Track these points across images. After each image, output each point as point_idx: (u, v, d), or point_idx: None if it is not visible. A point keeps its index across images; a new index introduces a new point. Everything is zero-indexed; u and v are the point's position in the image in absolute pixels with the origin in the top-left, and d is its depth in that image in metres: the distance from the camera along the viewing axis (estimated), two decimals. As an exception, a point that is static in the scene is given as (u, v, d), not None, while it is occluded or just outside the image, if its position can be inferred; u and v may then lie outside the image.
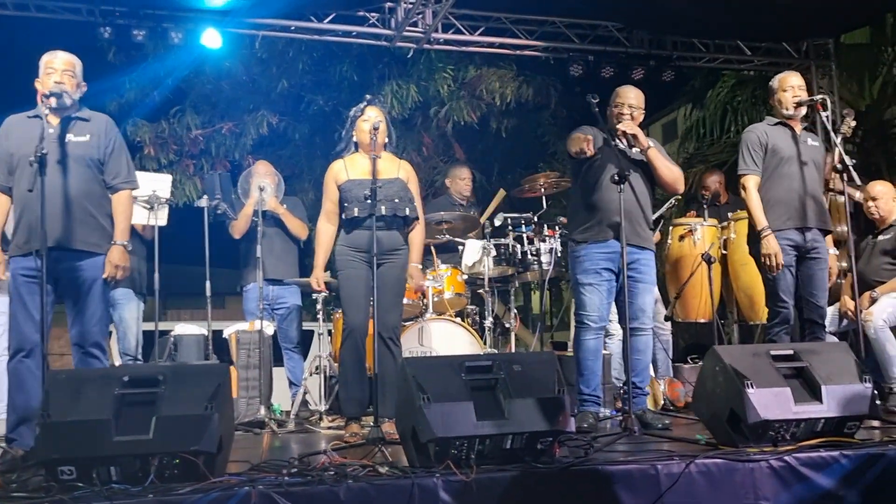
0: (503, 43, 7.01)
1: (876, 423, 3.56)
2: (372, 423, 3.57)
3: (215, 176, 5.45)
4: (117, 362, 5.31)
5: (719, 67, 8.13)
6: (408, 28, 6.60)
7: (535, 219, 5.36)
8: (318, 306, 5.36)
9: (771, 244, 4.05)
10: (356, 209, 3.93)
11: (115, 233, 3.60)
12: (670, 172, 4.09)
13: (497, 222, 5.39)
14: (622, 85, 4.27)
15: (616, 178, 3.67)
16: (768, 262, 4.06)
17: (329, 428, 4.63)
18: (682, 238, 5.40)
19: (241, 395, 4.83)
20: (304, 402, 5.23)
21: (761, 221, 4.11)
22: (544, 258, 5.24)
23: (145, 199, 4.83)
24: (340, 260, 4.02)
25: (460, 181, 6.04)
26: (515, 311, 5.63)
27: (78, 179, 3.51)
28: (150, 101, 8.98)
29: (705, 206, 5.54)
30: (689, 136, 11.87)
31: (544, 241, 5.26)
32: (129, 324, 5.15)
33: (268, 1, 5.97)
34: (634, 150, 4.04)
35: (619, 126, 3.99)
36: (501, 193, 6.27)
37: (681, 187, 4.21)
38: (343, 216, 4.02)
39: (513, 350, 5.56)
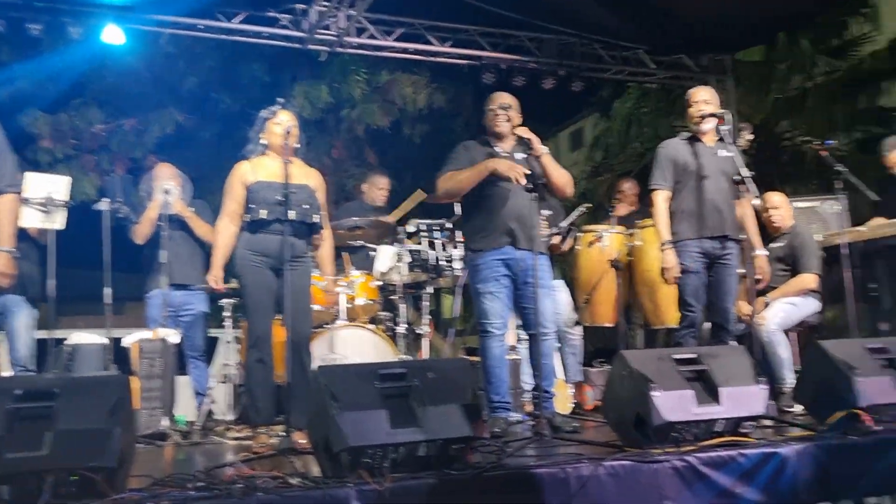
0: (417, 49, 7.02)
1: (769, 423, 3.75)
2: (282, 433, 3.49)
3: (116, 178, 5.25)
4: (7, 373, 5.01)
5: (625, 80, 8.40)
6: (320, 31, 6.53)
7: (449, 225, 5.38)
8: (226, 313, 5.22)
9: (668, 258, 4.26)
10: (264, 212, 3.84)
11: (0, 239, 3.40)
12: (562, 177, 4.15)
13: (411, 228, 5.38)
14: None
15: (531, 185, 3.73)
16: (665, 276, 4.27)
17: (237, 439, 4.50)
18: (590, 244, 5.53)
19: (144, 407, 4.63)
20: (211, 413, 5.08)
21: (664, 235, 4.32)
22: (457, 264, 5.27)
23: (40, 202, 4.57)
24: (243, 265, 3.92)
25: (378, 190, 5.98)
26: (429, 317, 5.63)
27: None
28: (47, 92, 8.51)
29: (611, 214, 5.69)
30: (597, 145, 12.23)
31: (457, 247, 5.29)
32: (20, 332, 4.84)
33: (173, -3, 5.78)
34: (518, 155, 4.09)
35: (498, 123, 4.05)
36: (419, 194, 6.22)
37: (570, 191, 4.28)
38: (247, 218, 3.93)
39: (426, 357, 5.56)
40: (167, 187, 4.90)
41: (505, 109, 4.11)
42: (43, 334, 5.02)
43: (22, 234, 3.66)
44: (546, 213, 4.48)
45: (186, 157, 9.06)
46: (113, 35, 6.07)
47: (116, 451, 2.52)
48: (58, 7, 5.82)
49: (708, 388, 3.16)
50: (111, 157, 8.95)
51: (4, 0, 5.68)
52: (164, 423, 4.55)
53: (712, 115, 4.35)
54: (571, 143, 18.63)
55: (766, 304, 4.81)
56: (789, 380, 4.58)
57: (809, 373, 3.67)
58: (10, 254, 3.41)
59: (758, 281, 4.46)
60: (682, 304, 4.31)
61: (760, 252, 4.48)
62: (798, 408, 4.23)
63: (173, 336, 4.88)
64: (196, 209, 5.24)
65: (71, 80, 8.47)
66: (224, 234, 4.02)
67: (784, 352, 4.68)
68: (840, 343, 3.59)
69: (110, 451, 2.50)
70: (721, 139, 4.44)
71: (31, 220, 4.52)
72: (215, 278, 4.06)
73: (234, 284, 4.24)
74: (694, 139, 4.44)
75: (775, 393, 4.56)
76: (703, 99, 4.42)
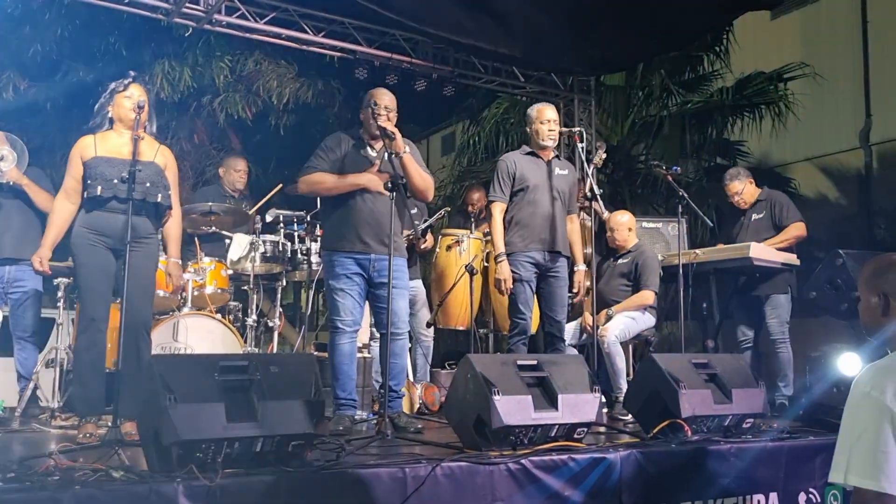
0: (289, 35, 6.85)
1: (602, 429, 3.95)
2: (110, 424, 3.30)
3: (-59, 140, 4.75)
4: None
5: (495, 89, 8.59)
6: (188, 5, 6.23)
7: (308, 218, 5.30)
8: (60, 293, 4.88)
9: (503, 270, 4.45)
10: (100, 188, 3.62)
11: None
12: (422, 180, 4.10)
13: (269, 218, 5.25)
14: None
15: (389, 185, 3.72)
16: (498, 287, 4.47)
17: (61, 427, 4.22)
18: (448, 248, 5.61)
19: (-43, 390, 4.27)
20: (35, 399, 4.73)
21: (498, 247, 4.51)
22: (314, 258, 5.20)
23: None
24: (78, 243, 3.68)
25: (235, 172, 5.83)
26: (281, 310, 5.51)
27: None
28: None
29: (472, 219, 5.80)
30: (465, 151, 12.43)
31: (316, 240, 5.21)
32: None
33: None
34: (373, 153, 4.09)
35: (380, 122, 3.95)
36: (278, 187, 6.09)
37: (430, 195, 4.29)
38: (85, 195, 3.69)
39: (275, 350, 5.44)
40: (1, 153, 4.51)
41: (388, 110, 4.06)
42: None
43: None
44: (413, 211, 4.52)
45: (28, 125, 8.43)
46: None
47: None
48: None
49: (547, 395, 3.28)
50: (-63, 121, 8.16)
51: None
52: (-21, 407, 4.19)
53: (570, 131, 4.54)
54: (443, 147, 18.87)
55: (609, 317, 5.06)
56: (623, 389, 4.84)
57: (640, 383, 3.89)
58: None
59: (575, 294, 4.71)
60: (514, 310, 4.52)
61: (580, 267, 4.74)
62: (630, 416, 4.48)
63: (-3, 314, 4.52)
64: (32, 177, 4.85)
65: None
66: (59, 211, 3.77)
67: (620, 363, 4.94)
68: (668, 356, 3.82)
69: None
70: (558, 156, 4.65)
71: None
72: (40, 258, 3.79)
73: (69, 263, 3.97)
74: (533, 154, 4.62)
75: (610, 401, 4.81)
76: (553, 118, 4.61)
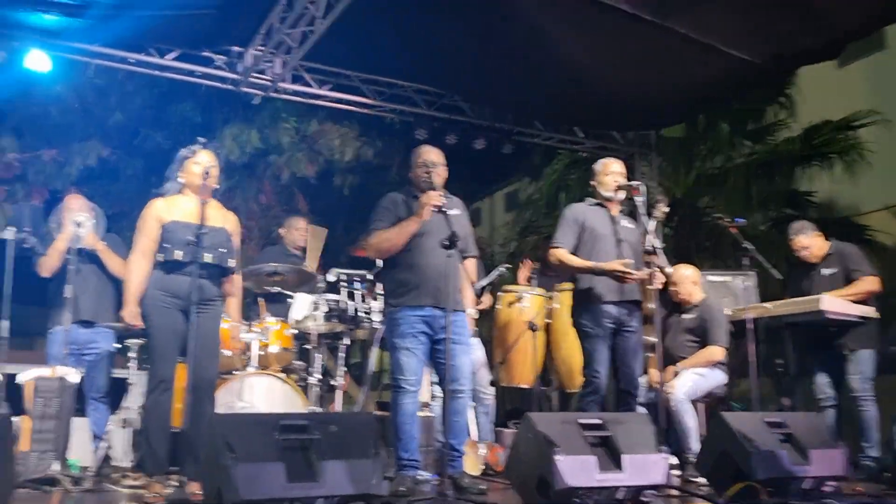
0: (351, 100, 7.08)
1: (672, 492, 3.79)
2: (177, 483, 3.34)
3: (25, 206, 5.06)
4: None
5: (555, 146, 8.64)
6: (255, 75, 6.52)
7: (370, 277, 5.35)
8: (132, 354, 5.02)
9: (611, 265, 4.25)
10: (179, 253, 3.75)
11: None
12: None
13: (331, 277, 5.33)
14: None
15: (446, 242, 3.74)
16: (621, 271, 4.20)
17: (131, 487, 4.28)
18: (510, 304, 5.58)
19: (34, 449, 4.38)
20: (108, 458, 4.83)
21: (587, 263, 4.31)
22: (376, 317, 5.22)
23: (-61, 226, 4.36)
24: (151, 305, 3.80)
25: (295, 231, 5.96)
26: (346, 368, 5.54)
27: None
28: (-37, 119, 8.22)
29: (533, 276, 5.77)
30: (527, 207, 12.47)
31: (376, 299, 5.25)
32: None
33: (103, 27, 5.66)
34: (451, 212, 4.10)
35: (425, 178, 4.03)
36: (321, 232, 6.15)
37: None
38: (160, 258, 3.82)
39: (338, 409, 5.45)
40: (80, 219, 4.73)
41: (432, 167, 4.12)
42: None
43: None
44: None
45: (109, 191, 8.88)
46: (38, 61, 5.90)
47: (-13, 497, 2.36)
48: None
49: (611, 455, 3.18)
50: (27, 188, 8.64)
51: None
52: (55, 467, 4.30)
53: (628, 185, 4.49)
54: (506, 204, 18.97)
55: (676, 374, 4.91)
56: (695, 450, 4.65)
57: (711, 444, 3.74)
58: None
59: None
60: (589, 368, 4.35)
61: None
62: (703, 478, 4.30)
63: (73, 375, 4.66)
64: (109, 243, 5.07)
65: (-8, 107, 8.21)
66: (136, 271, 3.90)
67: (690, 421, 4.77)
68: (740, 416, 3.68)
69: (-20, 496, 2.34)
70: (622, 211, 4.58)
71: (-72, 245, 4.30)
72: (131, 314, 3.90)
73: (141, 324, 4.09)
74: (600, 206, 4.57)
75: (682, 463, 4.62)
76: (619, 171, 4.57)
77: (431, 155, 4.19)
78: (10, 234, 4.68)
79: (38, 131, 8.83)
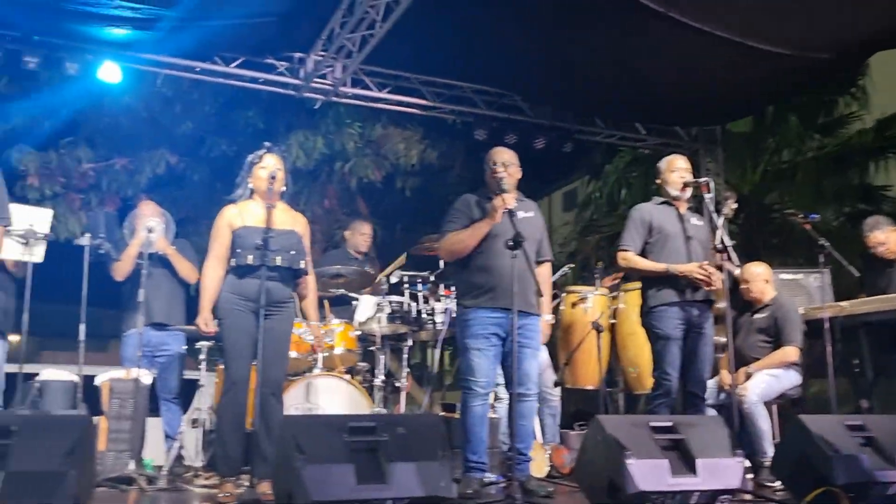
0: (411, 102, 7.11)
1: (748, 497, 3.67)
2: (247, 484, 3.40)
3: (100, 214, 5.22)
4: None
5: (616, 144, 8.52)
6: (316, 80, 6.61)
7: (432, 278, 5.36)
8: (202, 356, 5.14)
9: (687, 268, 4.17)
10: (250, 257, 3.81)
11: None
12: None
13: (393, 279, 5.35)
14: (520, 152, 4.33)
15: (511, 243, 3.71)
16: (699, 274, 4.12)
17: (204, 486, 4.39)
18: (574, 305, 5.51)
19: (110, 448, 4.53)
20: (180, 458, 4.95)
21: (659, 267, 4.22)
22: (439, 318, 5.22)
23: (21, 234, 4.52)
24: (225, 308, 3.87)
25: (360, 236, 6.00)
26: (409, 369, 5.56)
27: None
28: (41, 129, 8.54)
29: (597, 276, 5.68)
30: (587, 206, 12.32)
31: (439, 300, 5.25)
32: (-11, 365, 4.76)
33: (172, 38, 5.83)
34: (521, 213, 4.06)
35: (498, 178, 3.99)
36: (403, 259, 6.22)
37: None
38: (233, 263, 3.89)
39: (403, 410, 5.47)
40: (150, 225, 4.87)
41: (507, 166, 4.10)
42: (13, 368, 4.93)
43: (-2, 267, 3.60)
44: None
45: (177, 197, 9.10)
46: (110, 73, 6.10)
47: (71, 495, 2.44)
48: (55, 41, 5.87)
49: (684, 459, 3.10)
50: (101, 196, 8.94)
51: (1, 32, 5.72)
52: (131, 466, 4.43)
53: (696, 182, 4.38)
54: (564, 204, 18.77)
55: (748, 375, 4.77)
56: (769, 453, 4.51)
57: (788, 447, 3.61)
58: None
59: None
60: (659, 369, 4.24)
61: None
62: (778, 483, 4.17)
63: (146, 376, 4.80)
64: (178, 248, 5.20)
65: (65, 118, 8.51)
66: (211, 276, 3.97)
67: (764, 424, 4.62)
68: (819, 418, 3.54)
69: (64, 495, 2.42)
70: (691, 208, 4.47)
71: (11, 251, 4.47)
72: (205, 321, 3.98)
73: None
74: (667, 204, 4.46)
75: (755, 466, 4.48)
76: (684, 167, 4.45)
77: (504, 155, 4.16)
78: (85, 240, 4.84)
79: (108, 141, 9.12)
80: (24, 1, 5.43)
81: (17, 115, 8.32)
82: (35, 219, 4.62)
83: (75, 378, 4.72)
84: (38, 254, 4.63)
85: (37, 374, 4.78)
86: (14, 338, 4.98)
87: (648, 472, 2.97)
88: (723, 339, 4.67)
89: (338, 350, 5.11)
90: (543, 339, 4.20)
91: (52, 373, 4.79)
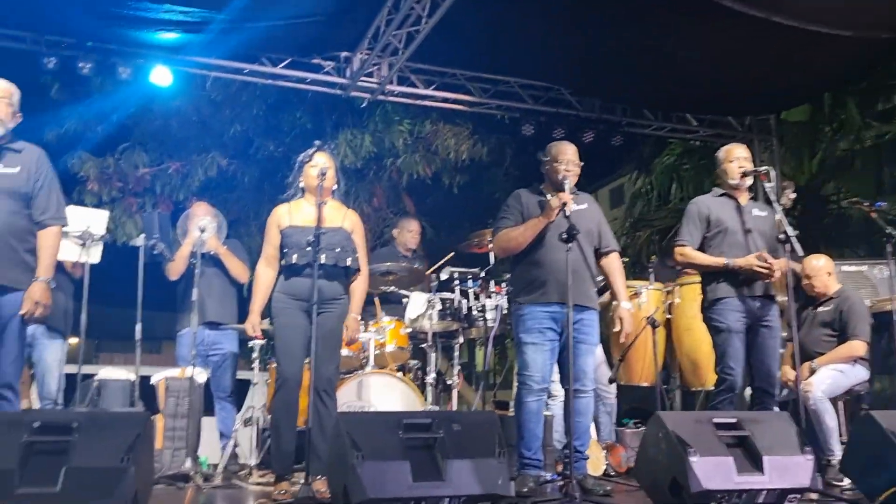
0: (457, 99, 7.07)
1: (815, 496, 3.54)
2: (302, 481, 3.39)
3: (154, 214, 5.27)
4: (36, 406, 5.01)
5: (666, 136, 8.34)
6: (363, 78, 6.61)
7: (482, 274, 5.31)
8: (255, 355, 5.17)
9: (746, 261, 4.04)
10: (295, 256, 3.81)
11: (39, 269, 3.41)
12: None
13: (443, 276, 5.32)
14: (569, 144, 4.23)
15: (565, 236, 3.64)
16: (760, 266, 3.99)
17: (258, 484, 4.42)
18: (627, 300, 5.38)
19: (167, 446, 4.59)
20: (235, 456, 5.00)
21: (718, 261, 4.10)
22: (489, 315, 5.17)
23: (78, 235, 4.61)
24: (277, 307, 3.88)
25: (408, 233, 5.98)
26: (459, 367, 5.52)
27: (3, 211, 3.33)
28: (94, 135, 8.74)
29: (650, 270, 5.56)
30: (636, 201, 12.11)
31: (490, 297, 5.20)
32: (50, 365, 4.86)
33: (221, 40, 5.89)
34: (576, 207, 3.98)
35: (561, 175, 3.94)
36: (450, 255, 6.17)
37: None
38: (282, 262, 3.90)
39: (454, 408, 5.43)
40: (202, 225, 4.91)
41: (576, 165, 4.04)
42: (73, 369, 5.04)
43: (57, 267, 3.66)
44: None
45: (227, 199, 9.23)
46: (161, 76, 6.20)
47: (130, 491, 2.45)
48: (108, 47, 5.98)
49: (750, 456, 3.00)
50: (155, 199, 9.11)
51: (57, 39, 5.85)
52: (188, 464, 4.48)
53: (755, 171, 4.24)
54: (611, 200, 18.53)
55: (812, 370, 4.61)
56: (837, 451, 4.35)
57: (858, 445, 3.46)
58: (47, 285, 3.41)
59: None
60: (723, 364, 4.09)
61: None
62: (846, 481, 4.01)
63: (200, 375, 4.85)
64: (229, 248, 5.24)
65: (119, 123, 8.70)
66: (261, 278, 3.99)
67: (831, 421, 4.45)
68: (891, 414, 3.38)
69: (123, 491, 2.44)
70: (754, 198, 4.32)
71: (68, 253, 4.56)
72: (252, 325, 4.01)
73: (266, 326, 4.20)
74: (727, 196, 4.32)
75: (821, 464, 4.32)
76: (743, 156, 4.31)
77: (569, 153, 4.08)
78: (140, 241, 4.92)
79: (160, 145, 9.29)
80: (79, 8, 5.53)
81: (71, 119, 8.53)
82: (91, 220, 4.71)
83: (132, 377, 4.79)
84: (94, 255, 4.71)
85: (95, 374, 4.86)
86: (73, 340, 5.09)
87: (713, 471, 2.87)
88: (784, 334, 4.51)
89: (389, 347, 5.09)
90: (627, 328, 4.09)
91: (110, 372, 4.87)
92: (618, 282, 4.17)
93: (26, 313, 3.33)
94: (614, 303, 5.42)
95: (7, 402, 3.27)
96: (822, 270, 4.92)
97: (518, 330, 4.00)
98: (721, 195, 4.33)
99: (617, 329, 4.12)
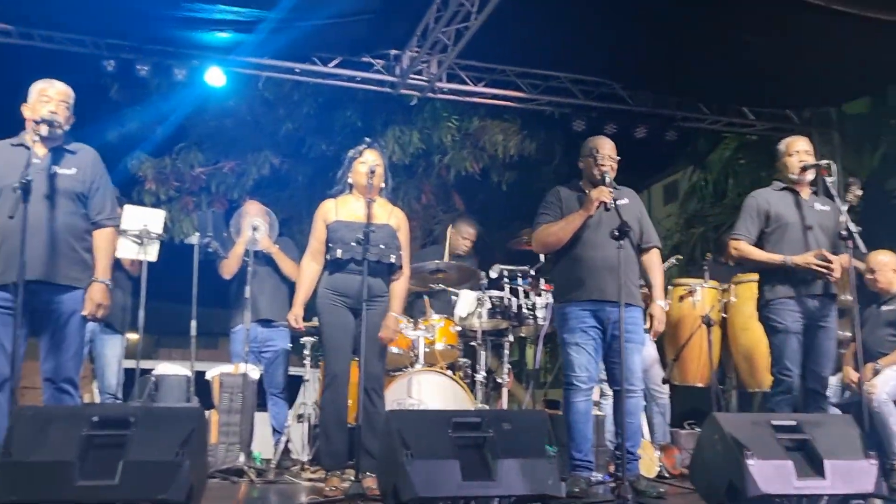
0: (507, 95, 7.03)
1: (879, 502, 3.41)
2: (353, 478, 3.41)
3: (208, 213, 5.38)
4: (97, 400, 5.15)
5: (722, 130, 8.17)
6: (412, 76, 6.63)
7: (532, 272, 5.26)
8: (306, 351, 5.22)
9: (804, 258, 3.93)
10: (340, 251, 3.83)
11: (97, 270, 3.49)
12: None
13: (493, 274, 5.28)
14: (619, 143, 4.16)
15: (616, 233, 3.57)
16: (818, 265, 3.88)
17: (310, 479, 4.46)
18: (681, 299, 5.29)
19: (221, 441, 4.68)
20: (287, 451, 5.05)
21: (775, 258, 3.99)
22: (540, 313, 5.12)
23: (136, 234, 4.72)
24: (322, 303, 3.90)
25: (462, 238, 5.84)
26: (509, 366, 5.48)
27: (61, 212, 3.41)
28: (152, 135, 8.96)
29: (705, 267, 5.44)
30: (691, 196, 11.88)
31: (540, 295, 5.15)
32: (110, 361, 4.99)
33: (271, 40, 5.97)
34: (620, 201, 3.90)
35: (601, 170, 3.90)
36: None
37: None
38: (327, 257, 3.92)
39: (504, 406, 5.40)
40: (255, 224, 4.98)
41: (613, 160, 3.98)
42: (131, 364, 5.16)
43: (115, 265, 3.75)
44: None
45: (280, 198, 9.33)
46: (215, 77, 6.32)
47: (185, 485, 2.49)
48: (165, 49, 6.13)
49: (810, 460, 2.90)
50: (211, 198, 9.28)
51: (116, 42, 6.01)
52: (241, 459, 4.55)
53: (816, 165, 4.10)
54: (665, 197, 18.22)
55: (876, 371, 4.45)
56: (901, 455, 4.19)
57: (926, 449, 3.33)
58: (106, 286, 3.50)
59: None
60: (779, 365, 3.97)
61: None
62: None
63: (254, 371, 4.92)
64: (281, 246, 5.30)
65: (175, 123, 8.88)
66: (306, 272, 4.02)
67: (895, 424, 4.29)
68: (963, 418, 3.24)
69: (179, 485, 2.48)
70: (815, 192, 4.18)
71: (127, 251, 4.67)
72: (294, 317, 4.04)
73: (314, 323, 4.23)
74: (788, 190, 4.18)
75: (886, 469, 4.16)
76: (804, 149, 4.17)
77: (608, 147, 4.02)
78: (195, 239, 5.02)
79: (216, 145, 9.45)
80: (136, 12, 5.67)
81: (129, 121, 8.75)
82: (149, 219, 4.82)
83: (188, 373, 4.89)
84: (152, 253, 4.82)
85: (152, 370, 4.98)
86: (132, 335, 5.22)
87: (772, 474, 2.78)
88: (847, 334, 4.37)
89: (439, 345, 5.08)
90: (659, 326, 4.01)
91: (167, 367, 4.97)
92: (656, 279, 4.08)
93: (88, 314, 3.42)
94: (669, 302, 5.36)
95: (69, 395, 3.37)
96: (888, 266, 4.75)
97: (561, 330, 3.96)
98: (782, 189, 4.20)
99: (647, 326, 4.03)
